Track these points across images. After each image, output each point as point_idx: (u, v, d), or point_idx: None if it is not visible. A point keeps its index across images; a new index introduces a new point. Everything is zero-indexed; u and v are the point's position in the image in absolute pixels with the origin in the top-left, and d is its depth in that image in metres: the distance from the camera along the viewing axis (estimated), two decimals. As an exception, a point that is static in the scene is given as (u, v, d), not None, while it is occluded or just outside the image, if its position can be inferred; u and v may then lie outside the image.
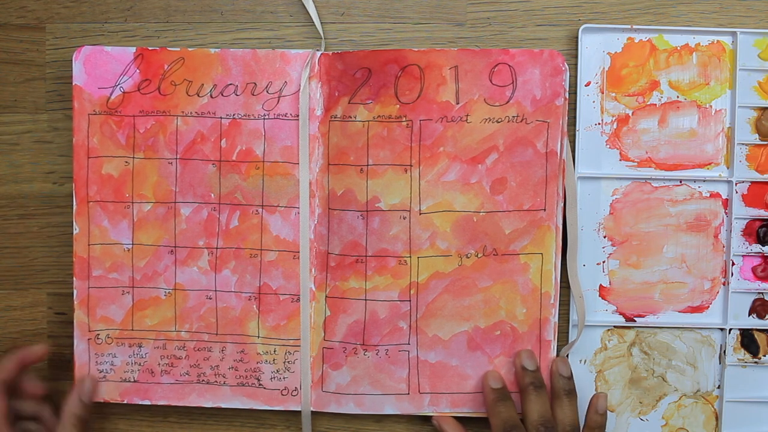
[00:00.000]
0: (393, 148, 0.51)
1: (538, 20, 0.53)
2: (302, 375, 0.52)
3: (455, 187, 0.51)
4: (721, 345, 0.53)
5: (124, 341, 0.52)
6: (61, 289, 0.54)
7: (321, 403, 0.52)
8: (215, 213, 0.52)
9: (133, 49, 0.51)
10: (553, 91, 0.50)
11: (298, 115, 0.52)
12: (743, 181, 0.52)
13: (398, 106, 0.50)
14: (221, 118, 0.52)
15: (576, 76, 0.52)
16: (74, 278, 0.52)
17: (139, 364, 0.52)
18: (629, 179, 0.52)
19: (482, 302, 0.51)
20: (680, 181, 0.52)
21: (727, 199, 0.52)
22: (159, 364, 0.52)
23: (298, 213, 0.52)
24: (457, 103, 0.50)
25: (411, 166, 0.51)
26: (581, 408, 0.51)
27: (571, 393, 0.50)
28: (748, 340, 0.53)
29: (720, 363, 0.53)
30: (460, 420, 0.52)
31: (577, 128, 0.52)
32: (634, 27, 0.52)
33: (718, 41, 0.52)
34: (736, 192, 0.52)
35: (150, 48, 0.51)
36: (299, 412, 0.52)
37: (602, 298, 0.53)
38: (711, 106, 0.52)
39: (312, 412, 0.53)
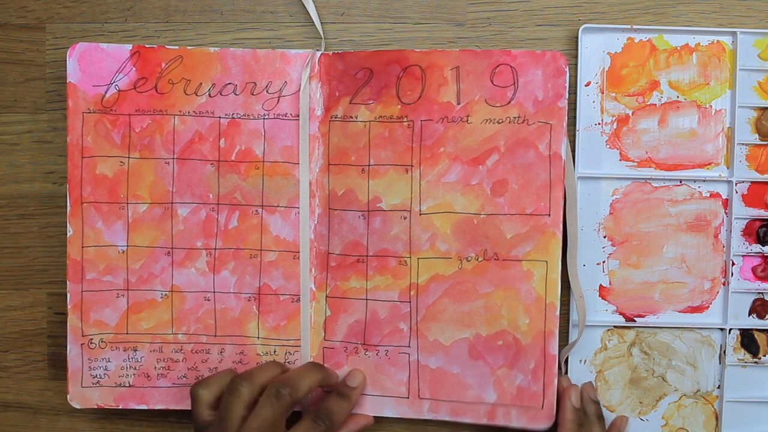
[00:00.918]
0: (394, 148, 0.51)
1: (538, 20, 0.53)
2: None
3: (456, 188, 0.51)
4: (721, 345, 0.53)
5: (119, 345, 0.52)
6: (61, 289, 0.54)
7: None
8: (214, 213, 0.52)
9: (130, 47, 0.51)
10: (555, 92, 0.49)
11: (298, 115, 0.52)
12: (743, 181, 0.52)
13: (400, 106, 0.50)
14: (220, 117, 0.52)
15: (576, 76, 0.52)
16: (67, 281, 0.52)
17: (135, 369, 0.52)
18: (629, 179, 0.52)
19: (483, 309, 0.51)
20: (680, 181, 0.52)
21: (727, 199, 0.52)
22: (155, 367, 0.52)
23: (298, 213, 0.52)
24: (458, 104, 0.50)
25: (412, 166, 0.51)
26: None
27: (601, 418, 0.51)
28: (748, 340, 0.53)
29: (720, 363, 0.53)
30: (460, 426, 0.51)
31: (577, 128, 0.52)
32: (634, 27, 0.52)
33: (718, 41, 0.52)
34: (736, 192, 0.52)
35: (147, 46, 0.51)
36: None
37: (602, 298, 0.53)
38: (711, 106, 0.52)
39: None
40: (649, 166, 0.52)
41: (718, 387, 0.53)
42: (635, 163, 0.52)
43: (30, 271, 0.55)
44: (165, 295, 0.52)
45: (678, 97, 0.52)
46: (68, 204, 0.52)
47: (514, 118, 0.50)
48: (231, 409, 0.45)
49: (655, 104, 0.52)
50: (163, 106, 0.51)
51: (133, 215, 0.52)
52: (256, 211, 0.52)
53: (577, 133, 0.52)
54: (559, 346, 0.52)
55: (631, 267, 0.53)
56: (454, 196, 0.51)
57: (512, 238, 0.50)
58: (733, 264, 0.52)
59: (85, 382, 0.52)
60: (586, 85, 0.52)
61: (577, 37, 0.52)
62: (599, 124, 0.52)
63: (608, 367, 0.53)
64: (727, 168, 0.52)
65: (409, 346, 0.51)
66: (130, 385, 0.52)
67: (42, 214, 0.54)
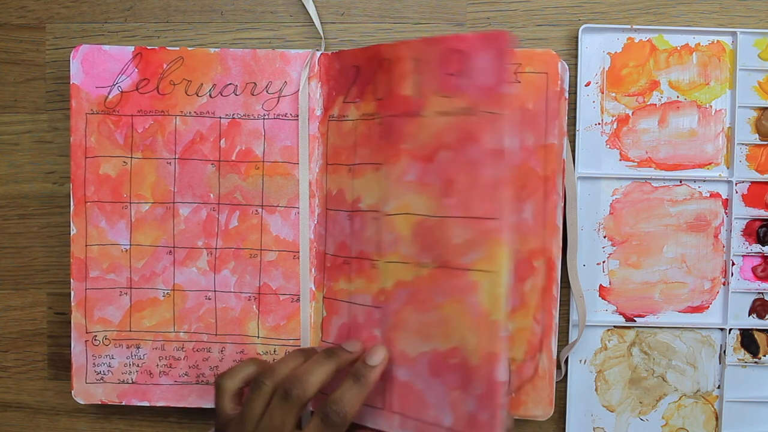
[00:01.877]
0: (371, 146, 0.49)
1: (538, 20, 0.53)
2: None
3: (413, 188, 0.46)
4: (721, 345, 0.53)
5: (122, 342, 0.52)
6: (61, 289, 0.54)
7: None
8: (214, 213, 0.52)
9: (132, 48, 0.51)
10: (499, 77, 0.42)
11: (297, 115, 0.52)
12: (743, 181, 0.52)
13: (374, 103, 0.49)
14: (220, 118, 0.52)
15: (576, 76, 0.52)
16: (71, 279, 0.52)
17: (138, 366, 0.52)
18: (629, 179, 0.52)
19: (439, 321, 0.44)
20: (680, 181, 0.52)
21: (727, 199, 0.52)
22: (157, 365, 0.52)
23: (298, 213, 0.52)
24: (417, 97, 0.46)
25: (381, 164, 0.48)
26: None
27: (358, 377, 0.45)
28: (748, 340, 0.53)
29: (720, 363, 0.53)
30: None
31: (577, 128, 0.52)
32: (634, 27, 0.52)
33: (718, 41, 0.52)
34: (736, 192, 0.52)
35: (149, 47, 0.51)
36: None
37: (602, 298, 0.53)
38: (711, 106, 0.52)
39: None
40: (649, 166, 0.52)
41: (718, 387, 0.53)
42: (635, 163, 0.52)
43: (30, 271, 0.55)
44: (167, 293, 0.52)
45: (678, 97, 0.52)
46: (72, 203, 0.52)
47: (462, 108, 0.44)
48: (252, 406, 0.44)
49: (655, 104, 0.52)
50: (164, 106, 0.52)
51: (136, 215, 0.52)
52: (256, 210, 0.52)
53: (577, 133, 0.52)
54: (559, 346, 0.52)
55: (631, 267, 0.53)
56: (413, 196, 0.46)
57: (460, 245, 0.44)
58: (733, 264, 0.52)
59: (89, 378, 0.52)
60: (586, 85, 0.52)
61: (577, 37, 0.52)
62: (599, 124, 0.52)
63: (608, 367, 0.53)
64: (727, 168, 0.52)
65: None
66: (133, 382, 0.52)
67: (42, 214, 0.54)
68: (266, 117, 0.52)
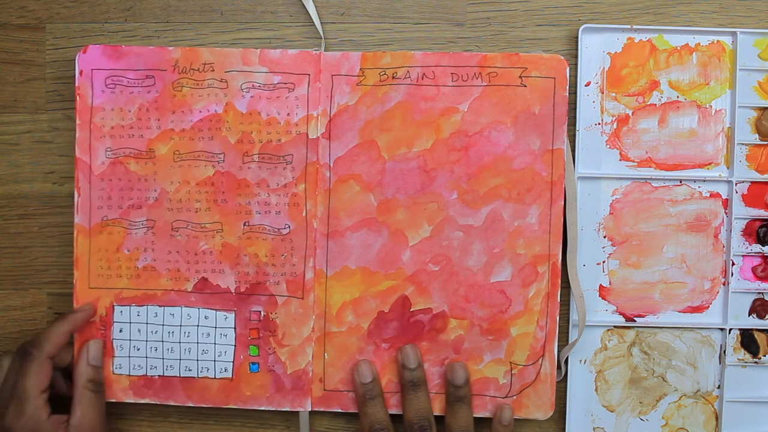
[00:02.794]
0: None
1: (538, 20, 0.53)
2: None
3: None
4: (721, 345, 0.53)
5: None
6: (61, 289, 0.54)
7: (320, 403, 0.52)
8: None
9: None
10: None
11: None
12: (743, 181, 0.52)
13: None
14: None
15: (576, 76, 0.52)
16: (74, 270, 0.52)
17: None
18: (629, 179, 0.52)
19: None
20: (680, 181, 0.52)
21: (727, 199, 0.52)
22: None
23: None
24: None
25: None
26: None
27: (461, 400, 0.50)
28: (748, 340, 0.53)
29: (720, 363, 0.53)
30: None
31: (577, 128, 0.52)
32: (634, 27, 0.52)
33: (718, 41, 0.52)
34: (736, 192, 0.52)
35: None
36: (299, 412, 0.52)
37: (602, 298, 0.53)
38: (711, 106, 0.52)
39: (311, 411, 0.53)
40: (649, 166, 0.52)
41: (718, 387, 0.53)
42: (635, 163, 0.52)
43: (30, 271, 0.55)
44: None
45: (678, 97, 0.52)
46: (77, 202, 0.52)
47: None
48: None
49: (655, 104, 0.52)
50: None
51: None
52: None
53: (577, 133, 0.52)
54: (559, 346, 0.52)
55: (631, 267, 0.53)
56: None
57: None
58: (733, 264, 0.53)
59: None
60: (586, 85, 0.52)
61: (577, 37, 0.52)
62: (599, 124, 0.52)
63: (608, 367, 0.53)
64: (727, 168, 0.52)
65: None
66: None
67: (42, 214, 0.54)
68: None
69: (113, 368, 0.52)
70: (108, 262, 0.52)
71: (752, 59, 0.52)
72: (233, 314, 0.52)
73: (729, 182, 0.52)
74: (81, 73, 0.51)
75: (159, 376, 0.52)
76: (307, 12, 0.53)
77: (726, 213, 0.53)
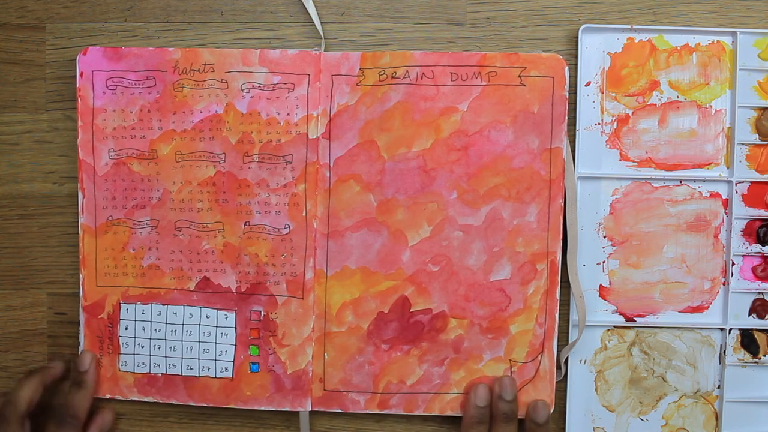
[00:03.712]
0: None
1: (538, 20, 0.53)
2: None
3: None
4: (721, 345, 0.53)
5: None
6: (61, 289, 0.54)
7: (320, 403, 0.52)
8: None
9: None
10: None
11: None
12: (743, 181, 0.52)
13: None
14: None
15: (576, 76, 0.52)
16: (80, 268, 0.52)
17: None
18: (629, 179, 0.52)
19: None
20: (680, 181, 0.52)
21: (727, 199, 0.52)
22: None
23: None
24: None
25: None
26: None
27: (511, 418, 0.50)
28: (748, 340, 0.53)
29: (720, 363, 0.53)
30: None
31: (577, 128, 0.52)
32: (634, 27, 0.52)
33: (718, 41, 0.52)
34: (736, 192, 0.52)
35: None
36: (299, 412, 0.52)
37: (602, 298, 0.53)
38: (711, 106, 0.52)
39: (311, 412, 0.53)
40: (649, 166, 0.52)
41: (718, 387, 0.53)
42: (635, 163, 0.52)
43: (30, 271, 0.55)
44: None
45: (678, 97, 0.52)
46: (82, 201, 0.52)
47: None
48: None
49: (655, 104, 0.52)
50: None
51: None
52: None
53: (577, 133, 0.52)
54: (559, 346, 0.52)
55: (631, 267, 0.53)
56: None
57: None
58: (733, 264, 0.53)
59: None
60: (586, 85, 0.52)
61: (577, 37, 0.52)
62: (599, 124, 0.52)
63: (608, 367, 0.53)
64: (727, 168, 0.52)
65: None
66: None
67: (42, 214, 0.54)
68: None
69: (119, 365, 0.52)
70: (114, 261, 0.52)
71: (752, 59, 0.52)
72: (234, 314, 0.52)
73: (729, 182, 0.52)
74: (81, 74, 0.51)
75: (162, 374, 0.52)
76: (307, 12, 0.53)
77: (726, 213, 0.53)
